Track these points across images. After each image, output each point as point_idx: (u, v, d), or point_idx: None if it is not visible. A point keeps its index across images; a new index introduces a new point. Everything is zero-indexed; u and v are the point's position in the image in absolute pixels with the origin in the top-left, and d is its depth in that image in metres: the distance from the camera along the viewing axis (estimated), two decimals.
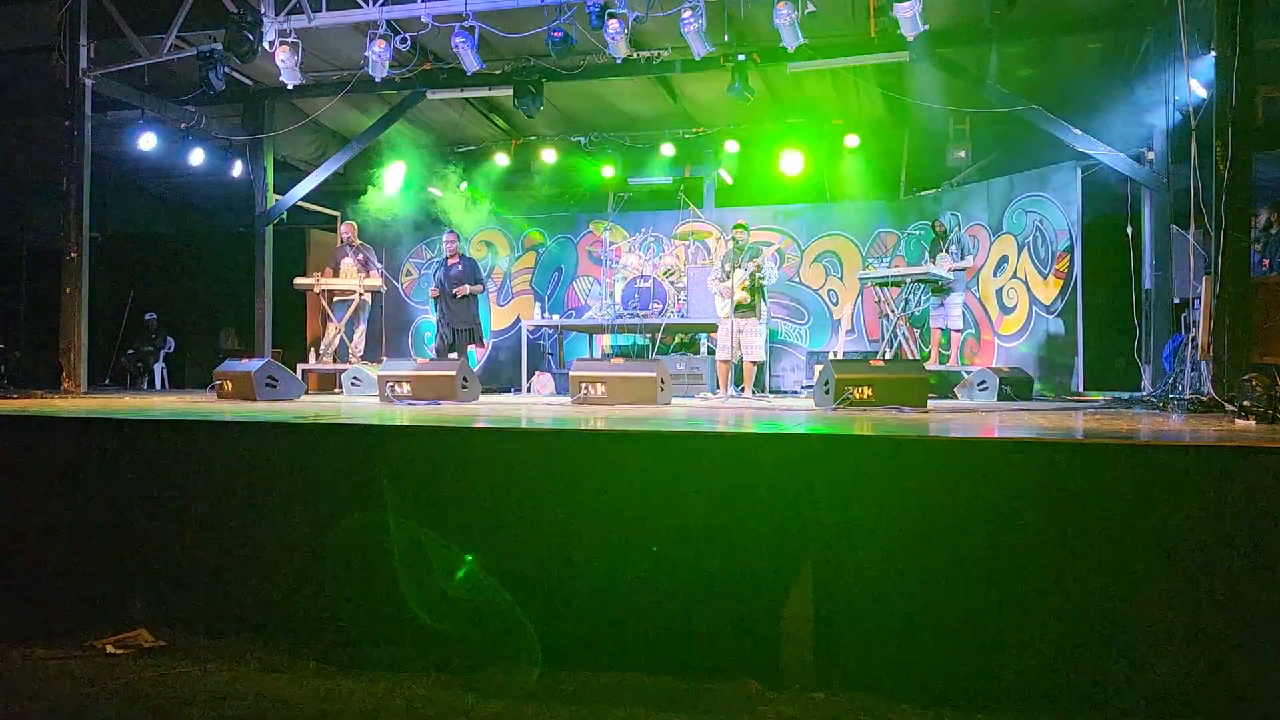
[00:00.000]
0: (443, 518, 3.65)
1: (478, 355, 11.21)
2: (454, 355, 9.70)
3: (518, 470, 3.65)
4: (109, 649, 3.68)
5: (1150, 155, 8.90)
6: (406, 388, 6.70)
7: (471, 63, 8.56)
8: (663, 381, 6.46)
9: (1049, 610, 3.09)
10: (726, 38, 8.72)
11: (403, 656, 3.51)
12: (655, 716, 3.04)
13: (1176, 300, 8.44)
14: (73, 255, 8.67)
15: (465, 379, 6.86)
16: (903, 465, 3.31)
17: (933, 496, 3.22)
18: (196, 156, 10.73)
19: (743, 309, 8.13)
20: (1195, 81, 7.13)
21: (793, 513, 3.30)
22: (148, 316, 13.35)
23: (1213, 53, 6.26)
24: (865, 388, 5.62)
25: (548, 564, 3.56)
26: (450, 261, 10.17)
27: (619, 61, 8.66)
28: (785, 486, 3.32)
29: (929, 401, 5.87)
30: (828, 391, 5.81)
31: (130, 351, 13.24)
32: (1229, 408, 5.30)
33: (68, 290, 8.71)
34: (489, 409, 6.03)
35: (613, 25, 7.82)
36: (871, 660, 3.21)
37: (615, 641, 3.44)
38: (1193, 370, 6.67)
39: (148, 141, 10.18)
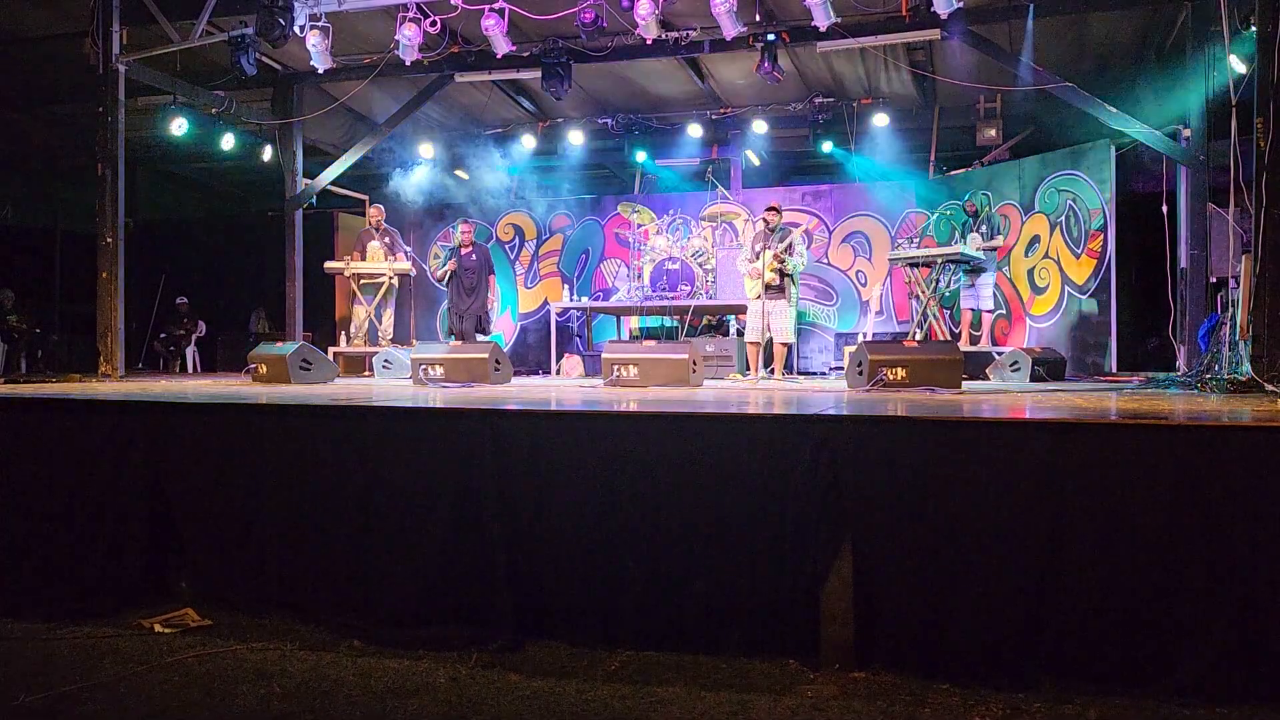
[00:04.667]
0: (478, 500, 3.68)
1: (505, 339, 11.25)
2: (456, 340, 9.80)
3: (558, 451, 3.67)
4: (156, 628, 3.75)
5: (1186, 133, 8.77)
6: (439, 370, 6.74)
7: (501, 45, 8.56)
8: (695, 363, 6.46)
9: (1090, 591, 3.08)
10: (758, 17, 8.66)
11: (445, 635, 3.55)
12: (697, 695, 3.07)
13: (1213, 280, 8.35)
14: (108, 241, 8.76)
15: (498, 361, 6.89)
16: (942, 446, 3.30)
17: (972, 477, 3.22)
18: (227, 141, 10.80)
19: (772, 290, 8.11)
20: (1235, 57, 7.01)
21: (833, 493, 3.31)
22: (179, 301, 13.49)
23: (1253, 28, 6.15)
24: (899, 369, 5.60)
25: (588, 544, 3.59)
26: (464, 251, 10.20)
27: (648, 43, 8.62)
28: (825, 467, 3.32)
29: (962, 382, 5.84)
30: (861, 372, 5.79)
31: (163, 335, 13.39)
32: (1269, 388, 5.24)
33: (103, 275, 8.80)
34: (523, 391, 6.06)
35: (644, 6, 7.78)
36: (912, 640, 3.22)
37: (656, 621, 3.46)
38: (1230, 350, 6.59)
39: (179, 127, 10.25)
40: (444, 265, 10.28)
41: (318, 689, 3.15)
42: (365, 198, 12.54)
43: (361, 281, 10.32)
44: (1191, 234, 8.59)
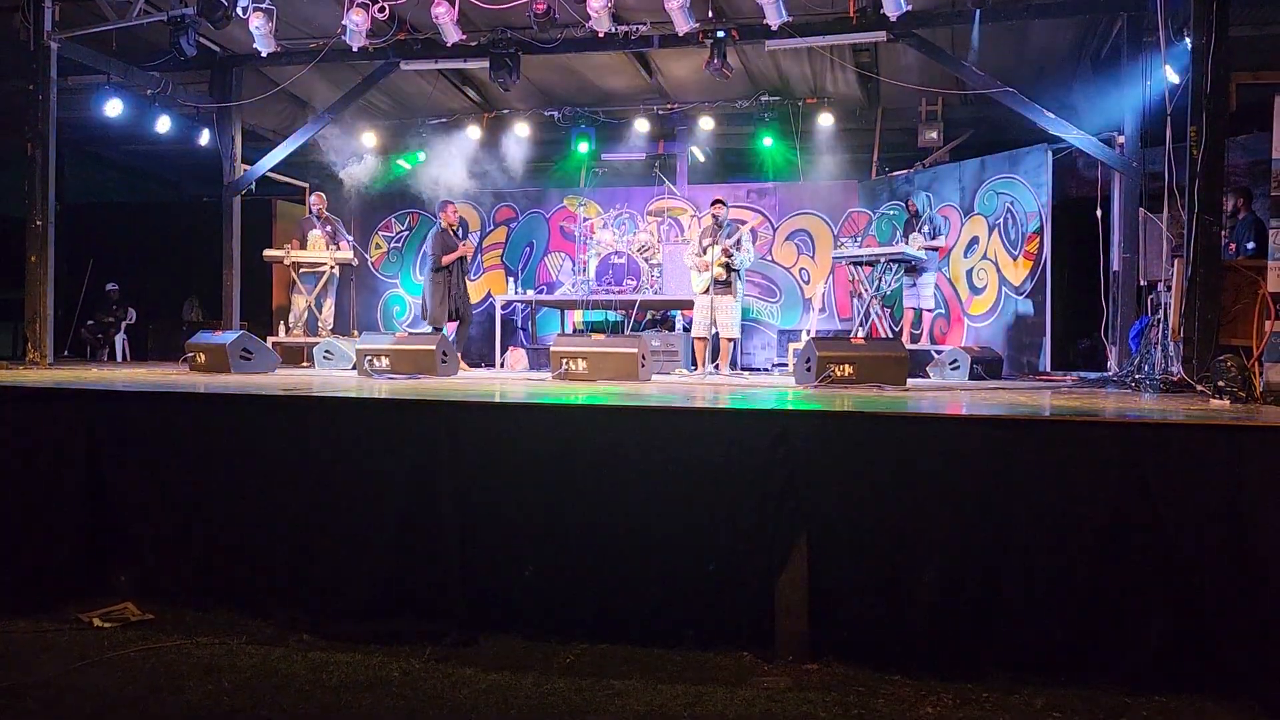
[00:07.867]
0: (431, 492, 3.64)
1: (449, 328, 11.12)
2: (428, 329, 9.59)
3: (512, 444, 3.65)
4: (96, 622, 3.64)
5: (1121, 139, 9.02)
6: (385, 361, 6.65)
7: (451, 34, 8.46)
8: (644, 357, 6.46)
9: (1037, 583, 3.16)
10: (710, 14, 8.69)
11: (397, 628, 3.51)
12: (653, 688, 3.07)
13: (1144, 283, 8.61)
14: (38, 224, 8.45)
15: (445, 353, 6.82)
16: (895, 441, 3.36)
17: (925, 472, 3.28)
18: (163, 124, 10.49)
19: (719, 285, 8.14)
20: (1169, 67, 7.24)
21: (790, 487, 3.34)
22: (109, 287, 13.06)
23: (1187, 39, 6.35)
24: (846, 365, 5.68)
25: (541, 538, 3.57)
26: (454, 233, 9.97)
27: (599, 36, 8.59)
28: (782, 461, 3.35)
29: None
30: (809, 369, 5.86)
31: (91, 322, 12.97)
32: (1199, 388, 5.42)
33: (32, 259, 8.50)
34: (472, 383, 6.01)
35: (597, 0, 7.76)
36: (865, 632, 3.27)
37: (612, 614, 3.47)
38: (1161, 351, 6.80)
39: (114, 108, 9.93)
40: (450, 250, 9.55)
41: (268, 683, 3.09)
42: (305, 185, 12.29)
43: (301, 270, 10.10)
44: (1124, 238, 8.84)
